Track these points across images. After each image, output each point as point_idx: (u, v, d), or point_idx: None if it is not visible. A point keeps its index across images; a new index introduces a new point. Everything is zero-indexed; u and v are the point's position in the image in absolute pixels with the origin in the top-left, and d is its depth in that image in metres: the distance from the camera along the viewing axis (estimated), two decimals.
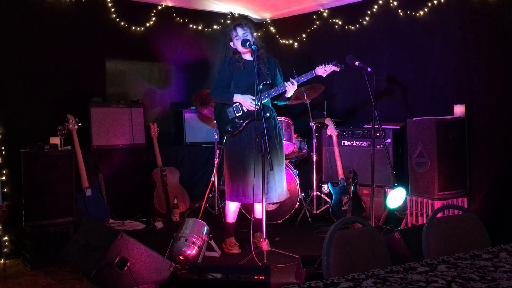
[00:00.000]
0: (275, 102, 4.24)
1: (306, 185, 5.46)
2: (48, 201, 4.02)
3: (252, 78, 4.02)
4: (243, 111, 4.07)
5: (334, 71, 4.06)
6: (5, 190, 4.25)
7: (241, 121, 4.07)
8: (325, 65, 4.02)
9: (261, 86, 4.00)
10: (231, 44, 4.17)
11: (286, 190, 4.24)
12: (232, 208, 4.26)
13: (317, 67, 4.03)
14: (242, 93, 4.06)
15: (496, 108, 4.38)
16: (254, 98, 3.98)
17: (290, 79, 4.02)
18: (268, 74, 4.10)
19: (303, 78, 4.02)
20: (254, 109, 3.94)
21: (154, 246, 3.40)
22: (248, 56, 4.16)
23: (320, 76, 4.06)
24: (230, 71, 4.15)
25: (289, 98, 4.19)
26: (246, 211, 4.93)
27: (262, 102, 3.96)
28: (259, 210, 4.23)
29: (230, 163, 4.14)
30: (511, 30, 4.26)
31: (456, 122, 4.50)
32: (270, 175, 3.97)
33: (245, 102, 4.02)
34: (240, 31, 4.07)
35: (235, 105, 4.08)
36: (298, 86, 4.20)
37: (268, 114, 4.03)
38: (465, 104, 4.55)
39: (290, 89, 4.02)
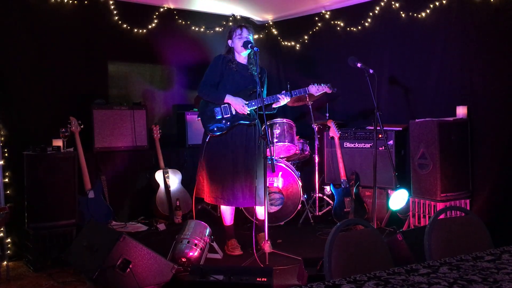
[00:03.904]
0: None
1: (308, 187, 5.46)
2: (50, 203, 4.02)
3: (242, 81, 4.09)
4: (231, 113, 4.05)
5: (326, 92, 4.19)
6: (8, 192, 4.26)
7: (228, 123, 4.05)
8: (318, 85, 4.15)
9: (258, 88, 4.03)
10: (229, 42, 4.17)
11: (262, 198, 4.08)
12: (226, 211, 4.25)
13: (311, 86, 4.16)
14: (232, 95, 4.05)
15: (498, 109, 4.37)
16: (246, 103, 4.01)
17: (284, 91, 4.11)
18: (259, 82, 4.10)
19: (295, 93, 4.13)
20: (246, 112, 3.97)
21: (157, 248, 3.40)
22: (242, 59, 4.17)
23: (312, 95, 4.19)
24: (222, 70, 4.13)
25: (274, 109, 4.26)
26: (247, 213, 4.93)
27: (250, 108, 4.02)
28: (261, 212, 4.23)
29: (212, 165, 4.11)
30: None
31: (459, 123, 4.50)
32: (258, 180, 3.98)
33: (237, 104, 4.02)
34: (245, 32, 4.09)
35: (223, 105, 4.06)
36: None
37: (256, 120, 4.07)
38: (467, 105, 4.54)
39: (282, 101, 4.10)
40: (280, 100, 4.06)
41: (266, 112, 4.22)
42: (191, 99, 6.09)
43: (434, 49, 4.87)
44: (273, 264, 3.73)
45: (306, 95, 5.16)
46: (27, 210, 4.03)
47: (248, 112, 4.04)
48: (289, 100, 4.12)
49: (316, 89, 4.13)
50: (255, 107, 4.03)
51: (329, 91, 4.14)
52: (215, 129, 4.06)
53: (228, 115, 4.05)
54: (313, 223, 5.14)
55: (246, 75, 4.10)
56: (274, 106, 4.17)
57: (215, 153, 4.09)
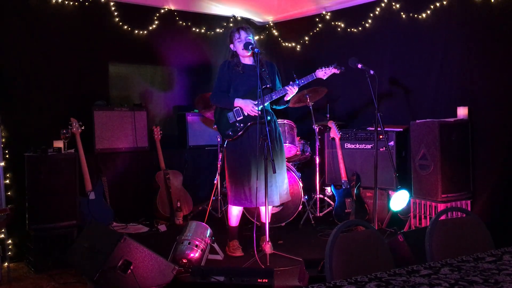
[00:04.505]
0: (274, 106, 4.24)
1: (309, 188, 5.46)
2: (51, 205, 4.03)
3: (251, 82, 4.05)
4: (243, 115, 4.06)
5: (334, 73, 4.07)
6: (9, 193, 4.27)
7: (241, 125, 4.06)
8: (325, 67, 4.04)
9: (259, 90, 4.01)
10: (231, 46, 4.17)
11: (288, 193, 4.24)
12: (235, 212, 4.26)
13: (317, 70, 4.05)
14: (242, 97, 4.06)
15: (499, 110, 4.37)
16: (256, 103, 3.97)
17: (291, 82, 4.02)
18: (268, 78, 4.10)
19: (303, 81, 4.04)
20: (256, 113, 3.94)
21: (157, 249, 3.40)
22: (247, 60, 4.16)
23: (321, 79, 4.09)
24: (229, 75, 4.14)
25: (287, 102, 4.20)
26: (249, 214, 4.93)
27: (260, 107, 3.98)
28: (264, 214, 4.22)
29: (232, 167, 4.14)
30: None
31: (459, 124, 4.49)
32: (272, 178, 3.96)
33: (247, 106, 4.02)
34: (243, 34, 4.08)
35: (235, 109, 4.07)
36: (300, 89, 4.22)
37: (269, 118, 4.02)
38: (468, 106, 4.54)
39: (291, 92, 4.03)
40: (288, 92, 4.03)
41: (280, 107, 4.27)
42: (192, 100, 6.09)
43: (434, 49, 4.87)
44: (274, 265, 3.73)
45: (306, 95, 5.19)
46: (28, 211, 4.03)
47: (259, 112, 3.98)
48: (297, 89, 4.07)
49: (323, 73, 4.04)
50: (267, 103, 4.02)
51: (337, 71, 4.03)
52: (230, 133, 4.08)
53: (241, 117, 4.06)
54: (314, 224, 5.13)
55: (255, 75, 4.06)
56: (286, 99, 4.13)
57: (234, 156, 4.10)
